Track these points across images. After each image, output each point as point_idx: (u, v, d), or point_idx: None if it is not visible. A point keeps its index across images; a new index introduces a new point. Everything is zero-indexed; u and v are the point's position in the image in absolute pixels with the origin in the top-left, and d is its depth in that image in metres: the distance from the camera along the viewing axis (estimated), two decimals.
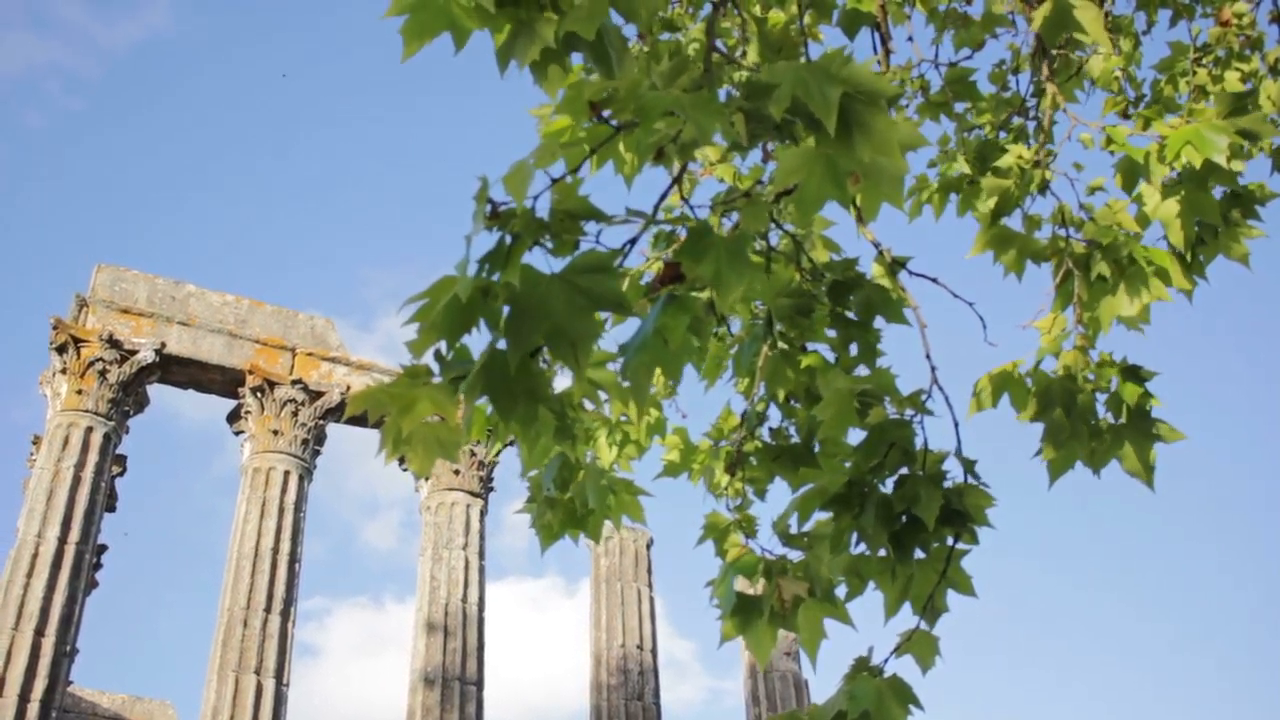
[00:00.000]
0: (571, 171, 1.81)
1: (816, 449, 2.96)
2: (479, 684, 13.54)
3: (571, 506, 2.89)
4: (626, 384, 1.93)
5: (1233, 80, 4.31)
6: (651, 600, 15.95)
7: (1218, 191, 2.76)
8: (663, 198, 2.11)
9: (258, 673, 12.35)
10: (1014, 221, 3.06)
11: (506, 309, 1.65)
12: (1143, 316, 2.78)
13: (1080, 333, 2.80)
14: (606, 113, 1.85)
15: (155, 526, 49.70)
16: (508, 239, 1.68)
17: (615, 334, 3.08)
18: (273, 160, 57.12)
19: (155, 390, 14.02)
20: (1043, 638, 55.69)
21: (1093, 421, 2.67)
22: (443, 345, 1.71)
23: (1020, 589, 54.97)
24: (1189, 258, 2.78)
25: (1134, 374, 2.69)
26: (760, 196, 2.12)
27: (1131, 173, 2.81)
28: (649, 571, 16.18)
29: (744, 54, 3.64)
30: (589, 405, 2.18)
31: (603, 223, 1.76)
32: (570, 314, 1.65)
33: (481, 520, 14.76)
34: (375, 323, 56.34)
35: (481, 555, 14.50)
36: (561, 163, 1.82)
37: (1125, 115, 4.26)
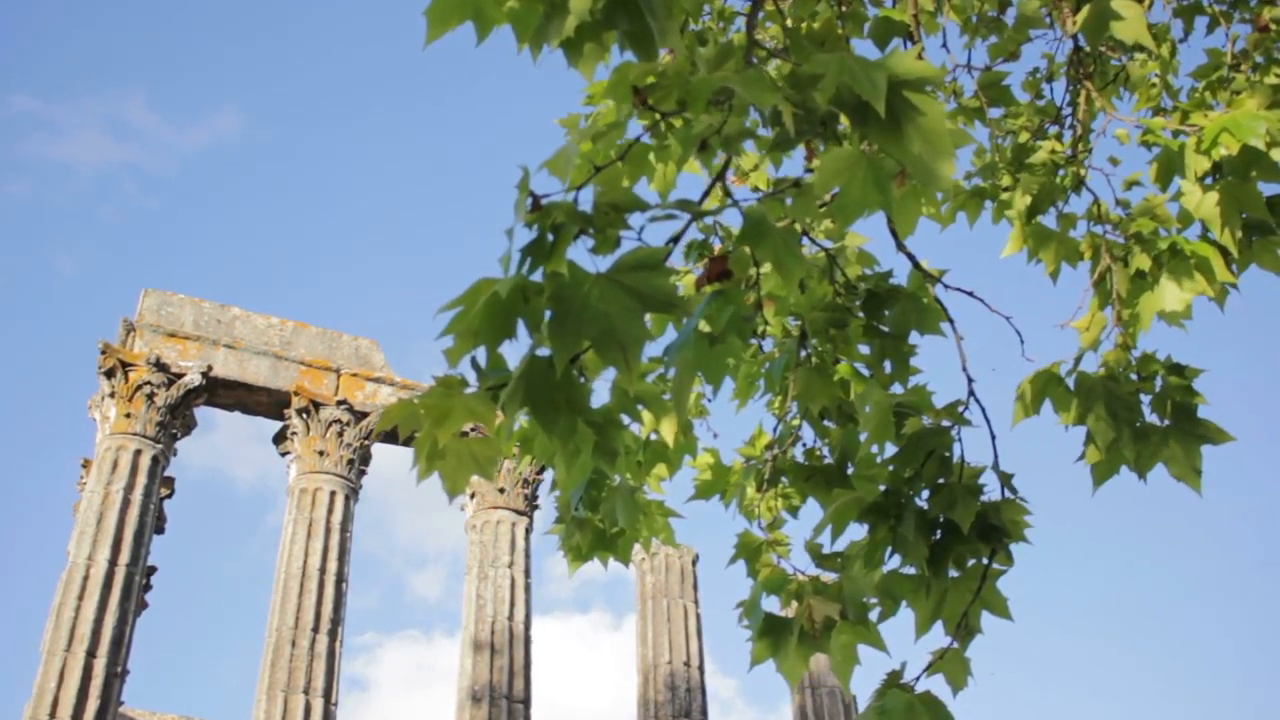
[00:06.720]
0: (616, 161, 1.73)
1: (850, 470, 2.89)
2: (526, 702, 13.49)
3: (600, 528, 2.83)
4: (671, 382, 1.84)
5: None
6: (698, 617, 15.85)
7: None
8: (706, 194, 2.04)
9: (306, 692, 12.39)
10: (1049, 220, 2.98)
11: (550, 312, 1.55)
12: (1184, 312, 2.67)
13: (1120, 331, 2.71)
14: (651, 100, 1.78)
15: (207, 572, 50.78)
16: (550, 234, 1.59)
17: (651, 346, 3.02)
18: (328, 205, 58.38)
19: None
20: (1083, 652, 54.84)
21: (1138, 423, 2.56)
22: (480, 353, 1.61)
23: (1063, 602, 54.15)
24: (1235, 252, 2.65)
25: (1178, 371, 2.58)
26: (810, 186, 2.04)
27: (1169, 166, 2.69)
28: (695, 588, 16.08)
29: (785, 50, 3.58)
30: (627, 421, 2.10)
31: (647, 213, 1.66)
32: (619, 315, 1.55)
33: (527, 538, 14.74)
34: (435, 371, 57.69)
35: (527, 574, 14.48)
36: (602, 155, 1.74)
37: (1159, 112, 4.16)
